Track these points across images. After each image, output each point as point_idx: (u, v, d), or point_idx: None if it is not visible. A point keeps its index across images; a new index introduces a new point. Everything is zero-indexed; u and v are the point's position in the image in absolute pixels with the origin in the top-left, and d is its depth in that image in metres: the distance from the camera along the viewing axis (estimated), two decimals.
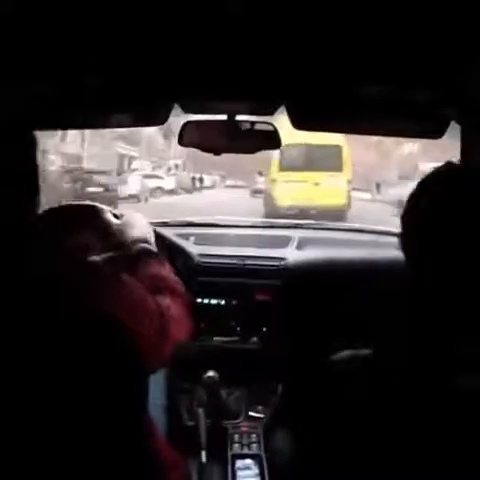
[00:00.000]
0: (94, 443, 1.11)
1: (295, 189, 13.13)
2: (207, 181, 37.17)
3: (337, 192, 13.38)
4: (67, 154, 19.55)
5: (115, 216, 1.68)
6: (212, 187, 37.94)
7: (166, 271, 1.40)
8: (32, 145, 1.16)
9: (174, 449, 1.42)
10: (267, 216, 12.44)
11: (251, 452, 2.20)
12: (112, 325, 1.09)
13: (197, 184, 32.81)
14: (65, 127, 2.14)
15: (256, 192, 26.93)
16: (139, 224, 1.61)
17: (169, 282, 1.38)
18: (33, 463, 1.07)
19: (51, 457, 1.08)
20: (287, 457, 1.34)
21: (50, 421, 1.07)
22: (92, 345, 1.07)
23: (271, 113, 1.98)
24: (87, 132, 20.38)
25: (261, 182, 27.73)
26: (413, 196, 1.10)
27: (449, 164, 1.10)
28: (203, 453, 2.07)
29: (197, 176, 33.75)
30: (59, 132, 15.10)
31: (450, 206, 1.03)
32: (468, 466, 0.98)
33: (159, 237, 2.45)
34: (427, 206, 1.07)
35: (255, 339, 2.47)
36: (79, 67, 1.59)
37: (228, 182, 43.23)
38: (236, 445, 2.23)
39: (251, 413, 2.37)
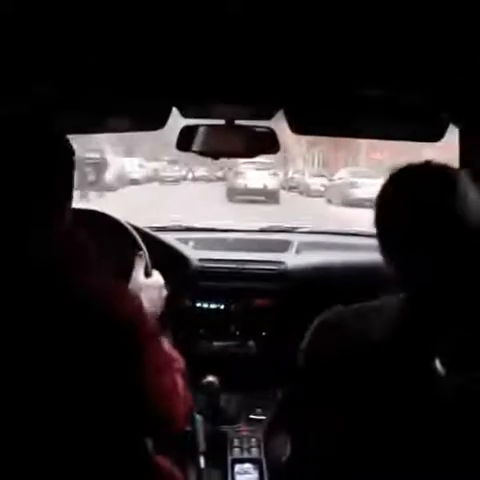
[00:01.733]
0: (84, 449, 1.10)
1: None
2: (136, 170, 21.49)
3: None
4: None
5: (146, 273, 1.71)
6: (145, 182, 23.22)
7: (169, 348, 1.37)
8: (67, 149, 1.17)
9: (172, 455, 1.42)
10: None
11: (251, 456, 2.19)
12: (116, 323, 1.08)
13: (97, 177, 15.17)
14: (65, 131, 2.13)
15: (236, 192, 18.50)
16: (155, 294, 1.63)
17: (174, 360, 1.35)
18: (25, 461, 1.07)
19: (42, 457, 1.07)
20: (287, 461, 1.34)
21: (42, 420, 1.06)
22: (93, 342, 1.07)
23: (269, 117, 1.98)
24: None
25: (252, 175, 18.84)
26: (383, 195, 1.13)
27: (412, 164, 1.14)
28: (201, 458, 2.06)
29: (95, 157, 15.01)
30: None
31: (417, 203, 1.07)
32: (451, 462, 0.99)
33: (158, 242, 2.46)
34: (399, 204, 1.10)
35: (254, 343, 2.47)
36: (78, 70, 1.59)
37: (182, 172, 29.94)
38: (236, 449, 2.22)
39: (251, 417, 2.36)
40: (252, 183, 19.26)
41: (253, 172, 19.29)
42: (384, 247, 1.13)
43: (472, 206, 1.06)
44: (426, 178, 1.10)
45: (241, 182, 19.54)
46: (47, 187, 1.11)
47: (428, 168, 1.12)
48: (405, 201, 1.08)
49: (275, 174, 20.54)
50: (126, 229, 2.23)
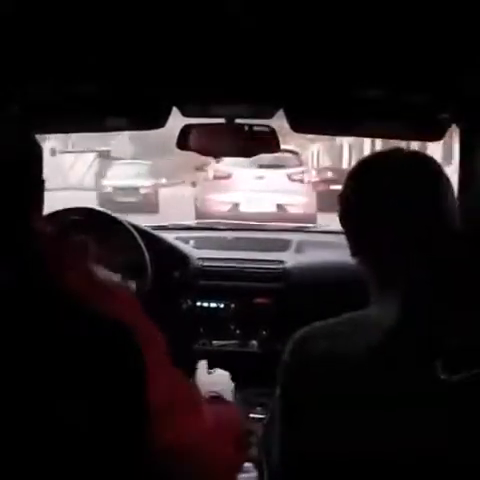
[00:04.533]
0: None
1: None
2: None
3: None
4: None
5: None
6: None
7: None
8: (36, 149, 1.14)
9: None
10: None
11: (250, 455, 2.19)
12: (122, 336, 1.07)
13: None
14: (63, 130, 2.14)
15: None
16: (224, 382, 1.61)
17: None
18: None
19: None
20: (286, 460, 1.34)
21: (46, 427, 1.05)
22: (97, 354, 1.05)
23: (270, 116, 1.99)
24: None
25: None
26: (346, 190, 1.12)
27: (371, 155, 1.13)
28: None
29: None
30: None
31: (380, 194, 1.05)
32: (454, 464, 0.98)
33: (158, 241, 2.47)
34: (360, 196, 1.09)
35: (254, 342, 2.47)
36: (78, 69, 1.59)
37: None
38: None
39: (251, 416, 2.36)
40: (251, 202, 9.50)
41: (250, 172, 9.65)
42: (360, 248, 1.11)
43: (449, 197, 1.05)
44: (399, 168, 1.08)
45: (225, 199, 9.63)
46: (18, 186, 1.09)
47: (400, 156, 1.10)
48: (379, 195, 1.05)
49: (301, 180, 10.40)
50: (125, 228, 2.24)
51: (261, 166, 9.41)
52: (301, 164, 10.86)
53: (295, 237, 2.85)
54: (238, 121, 1.95)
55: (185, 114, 1.97)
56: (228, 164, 9.47)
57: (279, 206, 9.49)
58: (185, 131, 1.95)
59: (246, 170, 9.64)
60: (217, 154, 2.08)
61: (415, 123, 1.88)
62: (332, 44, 1.46)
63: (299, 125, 1.92)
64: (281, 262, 2.55)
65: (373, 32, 1.38)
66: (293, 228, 3.13)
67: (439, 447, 0.99)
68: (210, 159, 8.69)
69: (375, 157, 1.14)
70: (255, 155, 2.08)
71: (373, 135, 2.31)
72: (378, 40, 1.42)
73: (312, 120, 1.92)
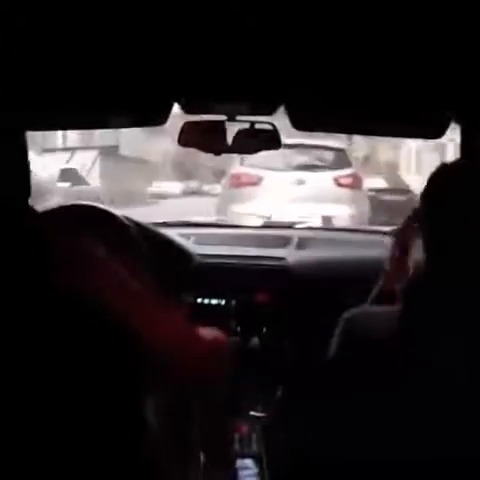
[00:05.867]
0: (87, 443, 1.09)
1: None
2: None
3: None
4: None
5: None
6: None
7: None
8: (23, 146, 1.15)
9: (172, 449, 1.40)
10: None
11: (251, 452, 2.20)
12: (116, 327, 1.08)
13: None
14: (64, 128, 2.14)
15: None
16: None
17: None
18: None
19: (46, 455, 1.07)
20: (287, 457, 1.35)
21: (42, 420, 1.06)
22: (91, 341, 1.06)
23: (271, 113, 1.99)
24: None
25: None
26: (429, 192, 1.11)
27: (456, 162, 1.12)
28: (201, 453, 2.07)
29: None
30: None
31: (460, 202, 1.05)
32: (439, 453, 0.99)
33: (159, 237, 2.47)
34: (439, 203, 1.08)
35: (255, 339, 2.47)
36: (79, 66, 1.59)
37: None
38: (236, 445, 2.23)
39: (251, 413, 2.37)
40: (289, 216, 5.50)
41: (285, 176, 7.51)
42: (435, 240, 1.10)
43: None
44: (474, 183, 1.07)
45: (254, 212, 6.11)
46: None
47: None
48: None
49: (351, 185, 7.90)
50: (124, 224, 2.23)
51: (299, 168, 7.30)
52: (349, 164, 8.07)
53: (296, 233, 2.86)
54: (239, 118, 1.95)
55: (186, 111, 1.97)
56: (255, 165, 7.20)
57: (325, 219, 6.75)
58: (186, 128, 1.96)
59: (279, 173, 7.42)
60: (218, 151, 2.07)
61: (415, 121, 1.88)
62: (332, 42, 1.46)
63: (300, 122, 1.92)
64: (282, 259, 2.55)
65: (373, 31, 1.38)
66: (293, 225, 3.13)
67: (444, 447, 0.99)
68: (233, 160, 7.36)
69: (453, 167, 1.12)
70: (256, 152, 2.08)
71: (373, 133, 2.30)
72: (378, 39, 1.42)
73: (313, 117, 1.93)
